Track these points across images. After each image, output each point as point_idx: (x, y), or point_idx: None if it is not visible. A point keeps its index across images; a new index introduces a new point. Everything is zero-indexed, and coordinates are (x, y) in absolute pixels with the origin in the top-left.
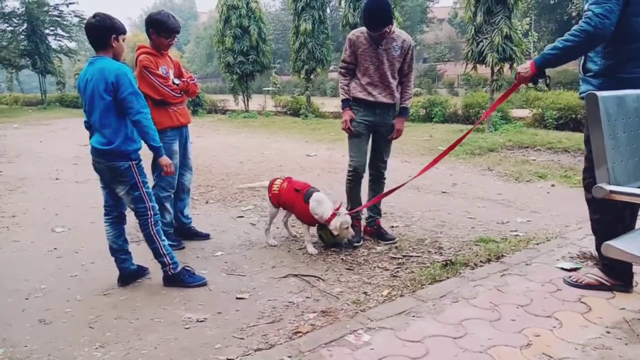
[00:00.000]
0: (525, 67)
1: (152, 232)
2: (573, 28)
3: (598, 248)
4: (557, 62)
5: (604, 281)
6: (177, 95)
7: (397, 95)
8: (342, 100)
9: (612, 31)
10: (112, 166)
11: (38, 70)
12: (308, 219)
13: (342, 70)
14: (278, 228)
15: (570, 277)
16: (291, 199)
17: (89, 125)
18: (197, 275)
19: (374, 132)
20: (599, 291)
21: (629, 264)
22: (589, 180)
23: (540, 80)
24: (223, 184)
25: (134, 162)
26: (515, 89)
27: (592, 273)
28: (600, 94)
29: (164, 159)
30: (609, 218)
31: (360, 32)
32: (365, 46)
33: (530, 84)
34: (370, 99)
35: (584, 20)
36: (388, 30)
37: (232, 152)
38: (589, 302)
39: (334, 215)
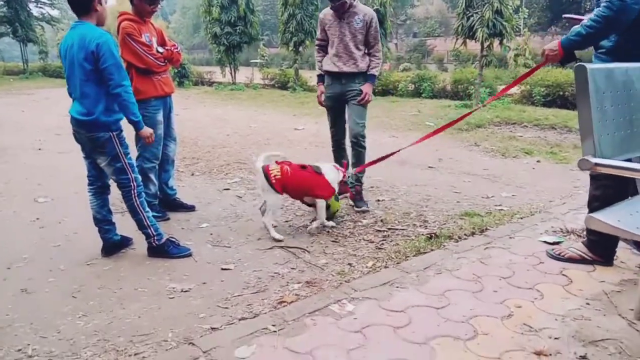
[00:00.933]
0: (553, 48)
1: (135, 204)
2: (595, 13)
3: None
4: (582, 47)
5: (585, 256)
6: (161, 63)
7: (362, 65)
8: (317, 76)
9: (638, 10)
10: (92, 137)
11: (19, 39)
12: (328, 192)
13: (317, 47)
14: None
15: (553, 249)
16: (302, 177)
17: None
18: (181, 246)
19: (345, 101)
20: (580, 264)
21: (613, 242)
22: None
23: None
24: (209, 156)
25: (114, 133)
26: (541, 67)
27: (575, 247)
28: (589, 66)
29: (145, 131)
30: (609, 194)
31: (327, 10)
32: (331, 22)
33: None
34: (335, 69)
35: (605, 5)
36: (347, 2)
37: (219, 124)
38: (570, 275)
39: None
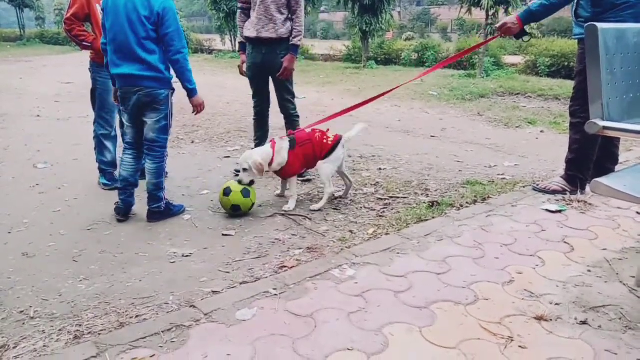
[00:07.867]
0: (513, 20)
1: (164, 165)
2: None
3: (568, 160)
4: (542, 18)
5: (566, 187)
6: (86, 44)
7: (283, 30)
8: (239, 43)
9: None
10: (152, 93)
11: (15, 4)
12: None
13: (239, 11)
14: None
15: (538, 184)
16: None
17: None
18: (177, 204)
19: (267, 71)
20: (562, 194)
21: (585, 177)
22: (574, 108)
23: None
24: (209, 124)
25: (171, 92)
26: (492, 40)
27: (556, 181)
28: (601, 25)
29: (197, 99)
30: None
31: None
32: None
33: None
34: (254, 34)
35: None
36: None
37: (219, 92)
38: (571, 242)
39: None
